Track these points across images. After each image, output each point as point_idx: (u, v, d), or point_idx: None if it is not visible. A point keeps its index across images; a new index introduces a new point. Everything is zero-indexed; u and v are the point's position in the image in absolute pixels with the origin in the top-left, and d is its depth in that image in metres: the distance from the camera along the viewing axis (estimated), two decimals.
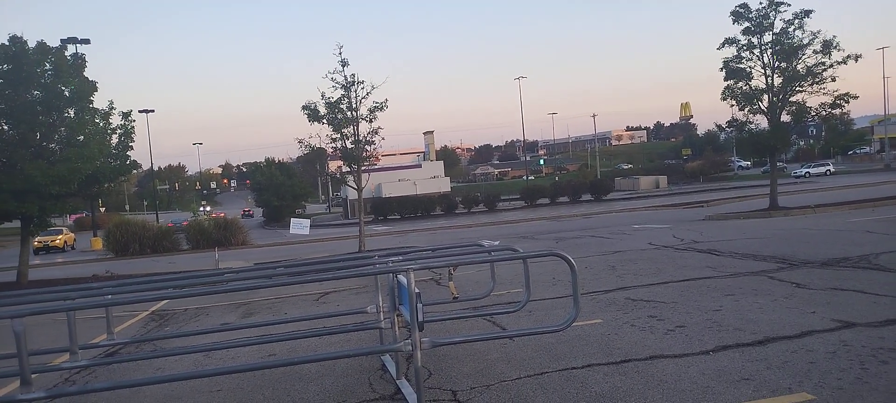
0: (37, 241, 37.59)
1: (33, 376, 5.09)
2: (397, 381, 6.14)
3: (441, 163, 76.01)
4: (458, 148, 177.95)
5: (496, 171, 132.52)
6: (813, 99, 24.13)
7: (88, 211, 50.66)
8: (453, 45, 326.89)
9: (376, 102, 21.93)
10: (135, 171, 28.62)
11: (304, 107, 22.07)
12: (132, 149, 20.16)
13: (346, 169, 23.94)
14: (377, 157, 23.96)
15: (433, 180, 65.78)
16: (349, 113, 22.03)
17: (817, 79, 23.63)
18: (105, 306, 7.18)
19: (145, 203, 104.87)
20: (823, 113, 24.32)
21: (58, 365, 6.66)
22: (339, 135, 22.36)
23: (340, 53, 21.62)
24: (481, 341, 7.25)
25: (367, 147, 22.57)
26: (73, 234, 47.36)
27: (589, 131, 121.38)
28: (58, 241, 42.80)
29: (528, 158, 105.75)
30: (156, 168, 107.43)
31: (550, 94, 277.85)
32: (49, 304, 6.63)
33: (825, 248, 13.01)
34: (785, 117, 25.05)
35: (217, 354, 7.85)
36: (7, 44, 17.23)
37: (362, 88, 21.81)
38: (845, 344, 6.13)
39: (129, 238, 32.48)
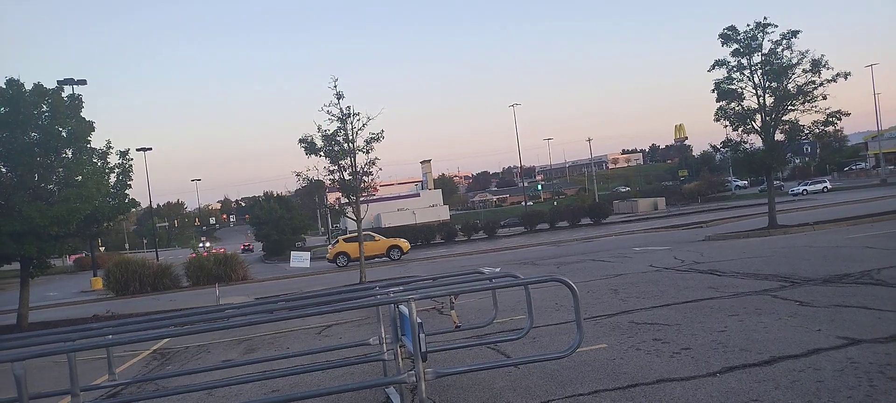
0: None
1: None
2: None
3: (439, 191, 76.29)
4: (455, 176, 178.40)
5: (494, 198, 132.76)
6: (805, 117, 24.32)
7: (88, 251, 50.48)
8: (447, 75, 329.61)
9: (372, 133, 22.10)
10: (133, 210, 28.57)
11: (301, 141, 22.22)
12: (130, 187, 20.16)
13: (344, 200, 24.00)
14: (375, 188, 24.08)
15: (432, 209, 65.94)
16: (346, 145, 22.16)
17: (808, 98, 23.82)
18: (106, 346, 7.13)
19: (145, 241, 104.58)
20: (816, 131, 24.47)
21: None
22: (336, 167, 22.47)
23: (336, 86, 21.86)
24: (486, 370, 7.18)
25: (365, 178, 22.66)
26: None
27: (585, 155, 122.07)
28: None
29: (525, 184, 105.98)
30: (155, 205, 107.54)
31: (546, 120, 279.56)
32: (49, 346, 6.59)
33: (826, 265, 13.00)
34: (779, 136, 25.20)
35: (220, 391, 7.78)
36: (3, 87, 17.34)
37: (358, 120, 22.02)
38: (852, 362, 6.10)
39: (129, 276, 32.32)
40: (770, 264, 14.23)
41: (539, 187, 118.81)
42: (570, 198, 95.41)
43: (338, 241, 39.65)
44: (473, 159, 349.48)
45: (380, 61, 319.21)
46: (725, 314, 9.13)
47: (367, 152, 22.22)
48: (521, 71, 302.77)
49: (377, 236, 40.90)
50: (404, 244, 39.82)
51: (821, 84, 23.55)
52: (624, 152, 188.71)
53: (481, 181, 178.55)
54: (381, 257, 38.38)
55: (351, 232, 42.22)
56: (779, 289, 10.75)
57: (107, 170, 19.33)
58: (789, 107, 24.37)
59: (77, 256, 67.58)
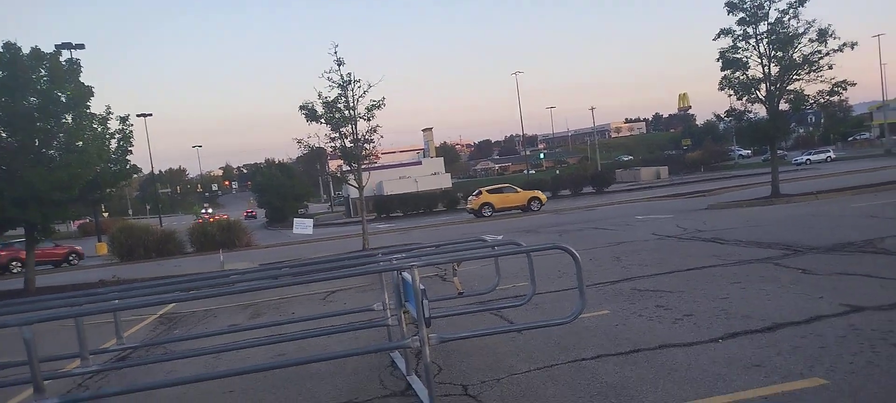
0: None
1: (46, 382, 5.10)
2: (408, 377, 6.16)
3: (441, 159, 76.05)
4: (457, 144, 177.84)
5: (497, 166, 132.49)
6: (810, 87, 24.12)
7: (92, 217, 50.66)
8: (450, 42, 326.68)
9: (374, 101, 21.97)
10: (135, 176, 28.61)
11: (301, 108, 22.10)
12: (131, 153, 20.13)
13: (346, 167, 23.97)
14: (377, 155, 23.99)
15: (434, 177, 65.82)
16: (347, 112, 22.05)
17: (814, 68, 23.59)
18: (113, 310, 7.19)
19: (148, 207, 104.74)
20: (821, 100, 24.31)
21: (70, 371, 6.67)
22: (337, 135, 22.39)
23: (336, 53, 21.66)
24: (489, 335, 7.24)
25: (367, 145, 22.59)
26: None
27: (588, 124, 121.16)
28: None
29: (528, 153, 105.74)
30: (157, 172, 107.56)
31: (548, 88, 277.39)
32: (57, 310, 6.64)
33: (829, 234, 13.01)
34: (783, 105, 25.01)
35: (227, 355, 7.86)
36: (1, 51, 17.20)
37: (359, 87, 21.86)
38: (855, 328, 6.14)
39: (134, 242, 32.54)
40: (773, 232, 14.25)
41: (541, 156, 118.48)
42: (573, 167, 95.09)
43: (481, 193, 39.69)
44: (475, 128, 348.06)
45: (381, 28, 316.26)
46: (728, 281, 9.18)
47: (369, 119, 22.12)
48: (524, 39, 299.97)
49: (518, 188, 41.55)
50: (542, 196, 40.53)
51: (827, 54, 23.32)
52: (627, 121, 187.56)
53: (483, 149, 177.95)
54: (508, 209, 38.57)
55: (494, 184, 43.80)
56: (781, 257, 10.78)
57: (107, 136, 19.28)
58: (794, 77, 24.15)
59: (81, 222, 67.87)
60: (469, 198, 41.34)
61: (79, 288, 17.84)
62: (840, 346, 5.67)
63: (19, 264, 31.00)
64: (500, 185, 42.63)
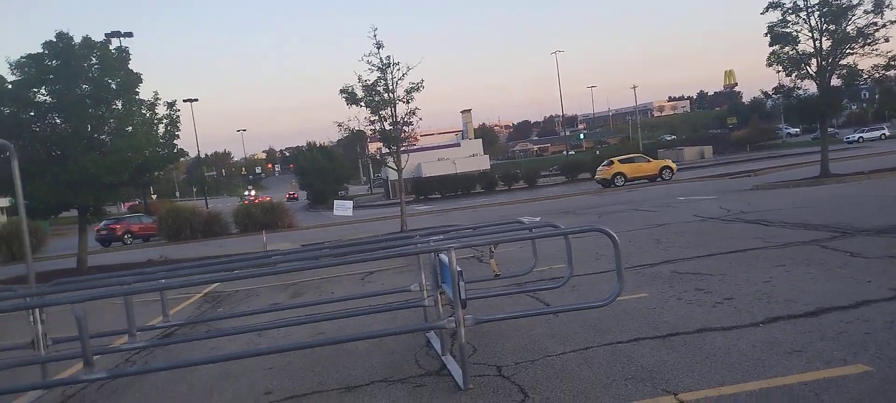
0: None
1: (95, 357, 5.34)
2: (442, 357, 6.22)
3: (480, 141, 75.76)
4: (496, 125, 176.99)
5: (535, 147, 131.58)
6: (865, 61, 23.14)
7: (141, 199, 52.38)
8: (488, 22, 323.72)
9: (412, 83, 22.05)
10: (182, 159, 29.39)
11: (342, 91, 22.33)
12: (178, 137, 20.74)
13: (385, 150, 24.15)
14: (416, 138, 24.14)
15: (472, 158, 65.67)
16: (386, 95, 22.19)
17: (869, 41, 22.59)
18: (160, 290, 7.46)
19: (194, 189, 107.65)
20: (877, 75, 23.35)
21: (118, 347, 6.95)
22: (377, 117, 22.57)
23: (375, 36, 21.77)
24: (525, 317, 7.26)
25: (405, 127, 22.72)
26: None
27: (629, 103, 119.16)
28: None
29: (567, 133, 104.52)
30: (202, 155, 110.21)
31: (589, 67, 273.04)
32: (107, 289, 6.93)
33: (881, 216, 12.53)
34: (835, 81, 24.08)
35: (268, 333, 8.07)
36: (54, 40, 17.83)
37: (398, 70, 21.95)
38: None
39: (181, 223, 33.52)
40: (821, 214, 13.81)
41: (581, 136, 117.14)
42: (614, 147, 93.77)
43: (612, 162, 40.31)
44: (514, 109, 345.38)
45: (421, 10, 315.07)
46: (771, 264, 8.95)
47: (408, 102, 22.23)
48: (564, 17, 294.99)
49: (650, 158, 42.45)
50: (673, 165, 41.07)
51: (884, 25, 22.30)
52: (670, 99, 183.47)
53: (522, 130, 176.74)
54: (640, 179, 39.09)
55: (626, 154, 44.96)
56: (829, 240, 10.45)
57: (155, 121, 19.87)
58: (848, 51, 23.19)
59: (131, 204, 70.18)
60: (598, 169, 41.62)
61: (128, 267, 18.52)
62: (887, 332, 5.49)
63: (131, 236, 35.64)
64: (631, 154, 44.06)
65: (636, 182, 38.47)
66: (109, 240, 35.27)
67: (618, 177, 38.39)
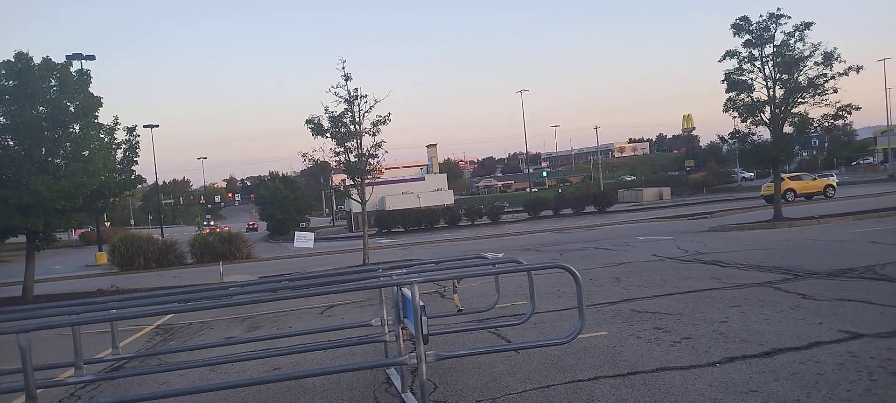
0: None
1: (38, 391, 5.08)
2: (403, 395, 6.12)
3: (444, 175, 76.03)
4: (460, 160, 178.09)
5: (499, 184, 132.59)
6: (815, 110, 24.14)
7: (93, 226, 50.78)
8: (455, 59, 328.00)
9: (379, 116, 22.12)
10: (139, 186, 28.70)
11: (307, 121, 22.22)
12: (137, 163, 20.24)
13: (349, 182, 24.03)
14: (380, 170, 24.07)
15: (437, 193, 65.76)
16: (352, 127, 22.17)
17: (819, 91, 23.62)
18: (110, 320, 7.18)
19: (150, 217, 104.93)
20: (826, 124, 24.31)
21: (63, 380, 6.65)
22: (342, 149, 22.48)
23: (343, 68, 21.84)
24: (486, 354, 7.22)
25: (371, 160, 22.67)
26: None
27: (591, 143, 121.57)
28: None
29: (531, 170, 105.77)
30: (160, 182, 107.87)
31: (553, 107, 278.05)
32: (54, 319, 6.65)
33: (830, 259, 12.96)
34: (787, 128, 25.02)
35: (222, 368, 7.84)
36: (12, 60, 17.37)
37: (365, 102, 22.00)
38: (853, 356, 6.10)
39: (134, 252, 32.52)
40: (774, 256, 14.20)
41: (544, 174, 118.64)
42: (575, 186, 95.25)
43: (784, 178, 42.37)
44: (479, 145, 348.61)
45: (387, 44, 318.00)
46: (727, 305, 9.14)
47: (374, 135, 22.24)
48: (529, 57, 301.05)
49: (813, 177, 46.70)
50: (835, 183, 44.86)
51: (832, 77, 23.34)
52: (631, 141, 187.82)
53: (486, 166, 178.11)
54: (807, 195, 42.40)
55: (792, 172, 49.36)
56: (782, 282, 10.74)
57: (114, 146, 19.41)
58: (799, 100, 24.18)
59: (83, 231, 67.96)
60: (764, 185, 44.87)
61: (77, 296, 17.85)
62: (838, 373, 5.63)
63: None
64: (797, 173, 48.40)
65: (803, 197, 41.96)
66: None
67: (789, 192, 40.97)
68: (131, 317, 6.57)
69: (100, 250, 40.62)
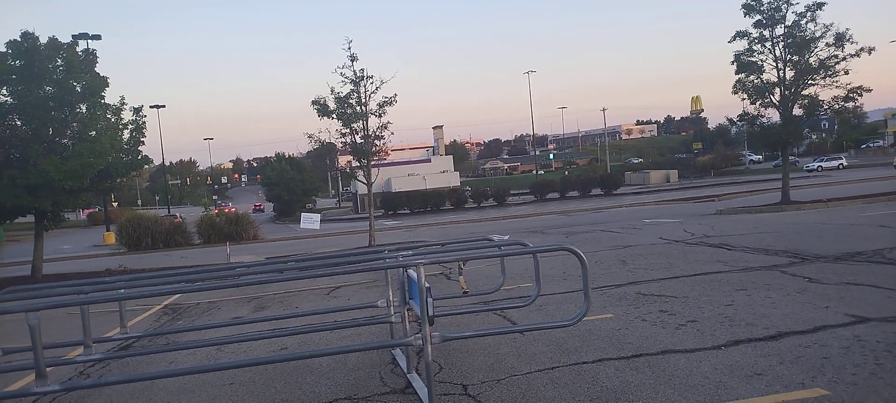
0: None
1: (48, 369, 5.14)
2: (408, 375, 6.16)
3: (450, 157, 75.95)
4: (467, 142, 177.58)
5: (506, 166, 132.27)
6: (825, 92, 23.95)
7: (101, 206, 51.04)
8: (462, 40, 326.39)
9: (385, 97, 22.06)
10: (146, 166, 28.80)
11: (313, 103, 22.19)
12: (144, 144, 20.34)
13: (355, 163, 24.03)
14: (386, 152, 24.08)
15: (443, 175, 65.76)
16: (358, 108, 22.13)
17: (830, 73, 23.41)
18: (118, 300, 7.23)
19: (157, 198, 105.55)
20: (836, 106, 24.10)
21: (72, 359, 6.71)
22: (348, 130, 22.47)
23: (350, 48, 21.76)
24: (492, 335, 7.23)
25: (377, 142, 22.65)
26: None
27: (599, 125, 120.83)
28: None
29: (537, 153, 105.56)
30: (167, 163, 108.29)
31: (560, 88, 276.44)
32: (63, 298, 6.70)
33: (838, 243, 12.90)
34: (797, 111, 24.85)
35: (229, 348, 7.90)
36: (19, 40, 17.38)
37: (371, 83, 21.95)
38: (859, 339, 6.08)
39: (142, 232, 32.76)
40: (781, 240, 14.15)
41: (551, 156, 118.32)
42: (582, 168, 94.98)
43: None
44: (486, 126, 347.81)
45: (394, 25, 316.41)
46: (733, 288, 9.12)
47: (380, 116, 22.21)
48: (537, 39, 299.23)
49: None
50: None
51: (843, 58, 23.13)
52: (638, 123, 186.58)
53: (493, 148, 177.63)
54: None
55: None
56: (788, 265, 10.70)
57: (120, 126, 19.46)
58: (809, 82, 23.99)
59: (90, 211, 68.41)
60: (895, 160, 47.00)
61: (85, 276, 18.00)
62: (844, 357, 5.62)
63: None
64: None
65: None
66: None
67: None
68: (139, 297, 6.62)
69: (107, 230, 40.88)
